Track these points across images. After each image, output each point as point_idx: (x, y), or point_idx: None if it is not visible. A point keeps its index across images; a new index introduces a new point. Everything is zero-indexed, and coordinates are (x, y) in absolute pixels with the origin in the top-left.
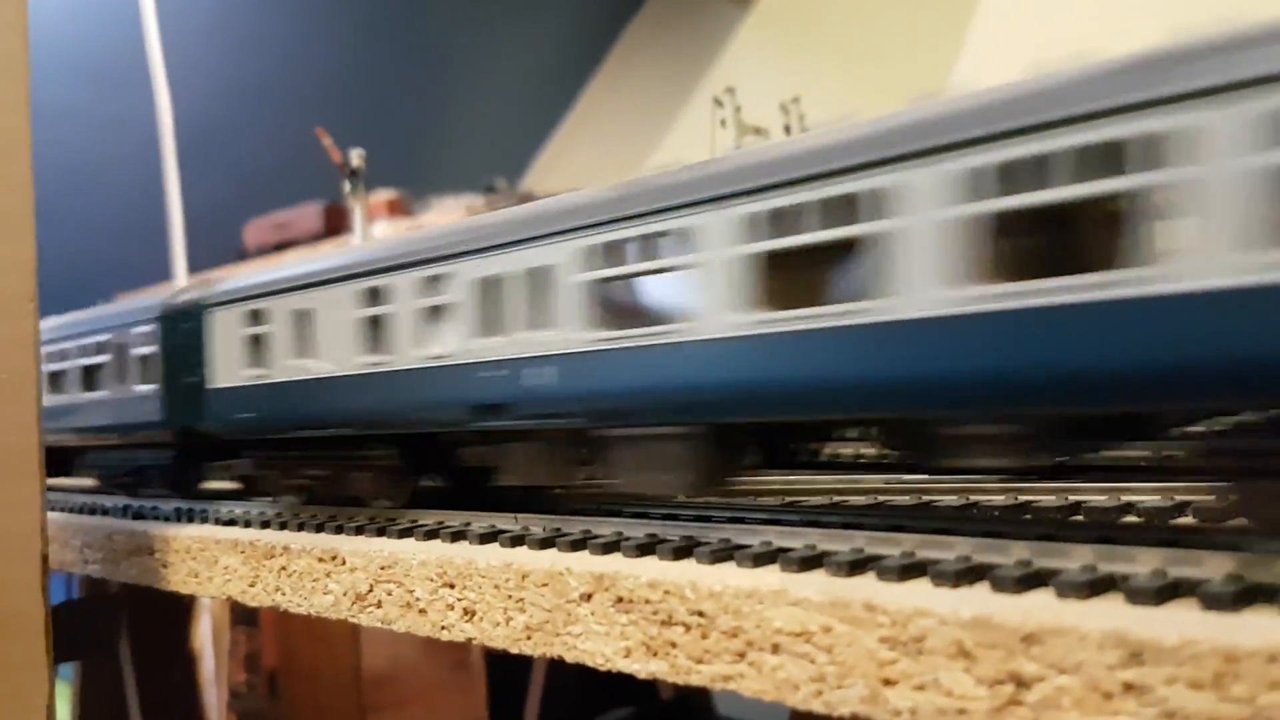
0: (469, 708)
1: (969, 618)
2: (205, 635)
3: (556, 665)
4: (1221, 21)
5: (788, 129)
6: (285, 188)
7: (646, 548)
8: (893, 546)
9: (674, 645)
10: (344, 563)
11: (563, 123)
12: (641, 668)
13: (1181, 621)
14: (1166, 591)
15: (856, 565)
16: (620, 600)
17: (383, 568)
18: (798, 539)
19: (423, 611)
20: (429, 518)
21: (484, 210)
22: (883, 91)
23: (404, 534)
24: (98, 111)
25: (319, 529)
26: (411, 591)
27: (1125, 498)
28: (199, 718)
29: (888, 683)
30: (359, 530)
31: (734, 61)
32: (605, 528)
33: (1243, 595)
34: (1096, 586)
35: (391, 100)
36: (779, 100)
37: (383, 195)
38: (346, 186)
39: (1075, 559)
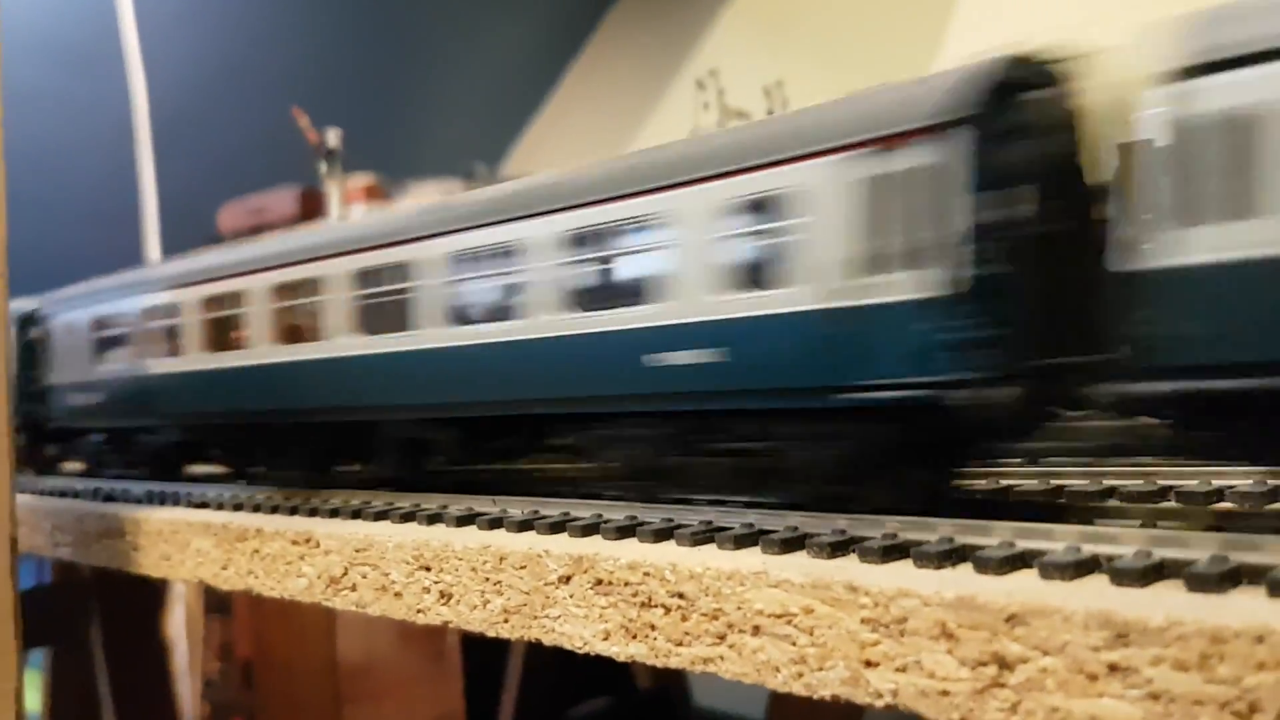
0: (445, 699)
1: (952, 598)
2: (178, 624)
3: (534, 656)
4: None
5: (770, 113)
6: (261, 172)
7: (626, 530)
8: (875, 528)
9: (654, 627)
10: (318, 545)
11: (544, 107)
12: (621, 650)
13: (1167, 602)
14: (1151, 572)
15: (838, 547)
16: (600, 582)
17: (358, 550)
18: (779, 521)
19: (398, 594)
20: (405, 500)
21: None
22: (865, 75)
23: (379, 516)
24: (70, 94)
25: (293, 511)
26: (387, 574)
27: (1107, 481)
28: (171, 707)
29: (869, 664)
30: (333, 513)
31: (717, 45)
32: (585, 510)
33: (1228, 576)
34: (1081, 567)
35: (370, 84)
36: (761, 84)
37: (360, 179)
38: (323, 167)
39: (1059, 540)
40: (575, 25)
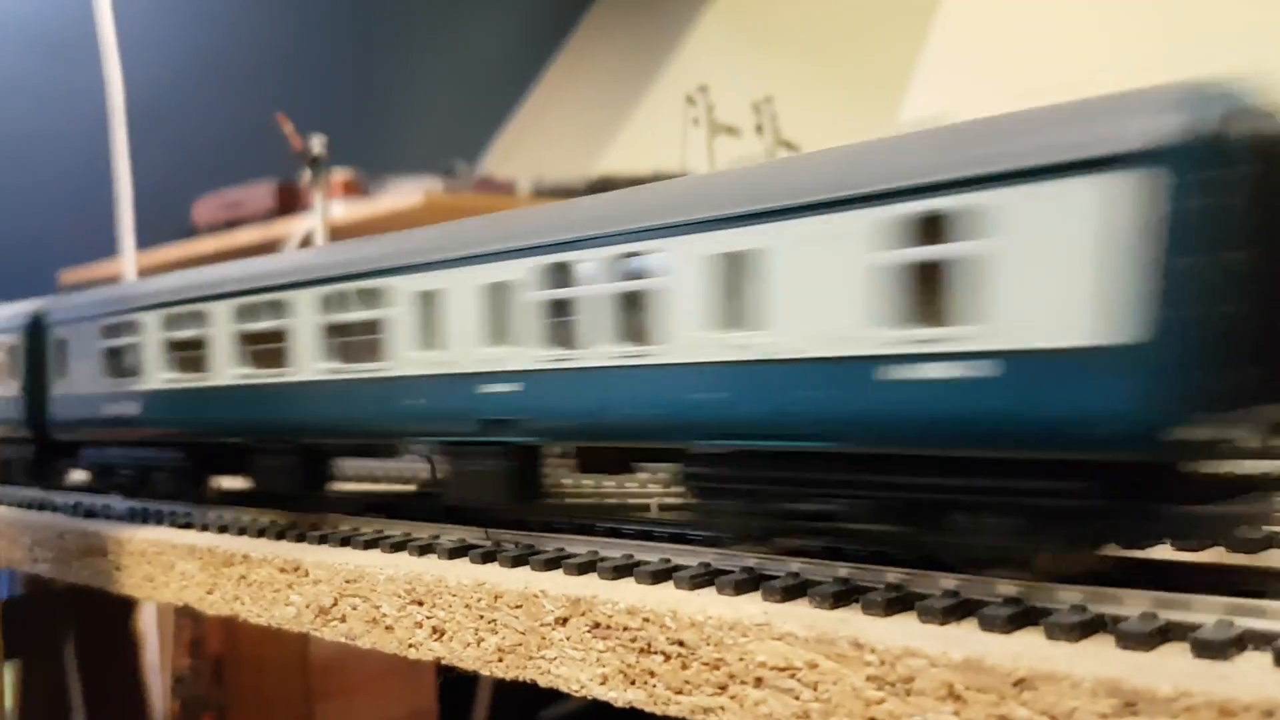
0: (418, 695)
1: (960, 660)
2: (150, 621)
3: None
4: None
5: (759, 129)
6: (236, 165)
7: (623, 569)
8: (877, 577)
9: (653, 674)
10: (306, 574)
11: (522, 105)
12: (619, 696)
13: (1174, 670)
14: (1157, 636)
15: (841, 597)
16: (597, 625)
17: (348, 581)
18: (779, 566)
19: (389, 628)
20: (395, 528)
21: (442, 192)
22: (847, 87)
23: (369, 545)
24: (46, 83)
25: (280, 536)
26: (378, 607)
27: None
28: (143, 706)
29: None
30: (322, 540)
31: (696, 50)
32: (580, 546)
33: (1234, 642)
34: (1087, 628)
35: (348, 78)
36: (748, 97)
37: (338, 175)
38: (307, 173)
39: (1063, 599)
40: (554, 24)
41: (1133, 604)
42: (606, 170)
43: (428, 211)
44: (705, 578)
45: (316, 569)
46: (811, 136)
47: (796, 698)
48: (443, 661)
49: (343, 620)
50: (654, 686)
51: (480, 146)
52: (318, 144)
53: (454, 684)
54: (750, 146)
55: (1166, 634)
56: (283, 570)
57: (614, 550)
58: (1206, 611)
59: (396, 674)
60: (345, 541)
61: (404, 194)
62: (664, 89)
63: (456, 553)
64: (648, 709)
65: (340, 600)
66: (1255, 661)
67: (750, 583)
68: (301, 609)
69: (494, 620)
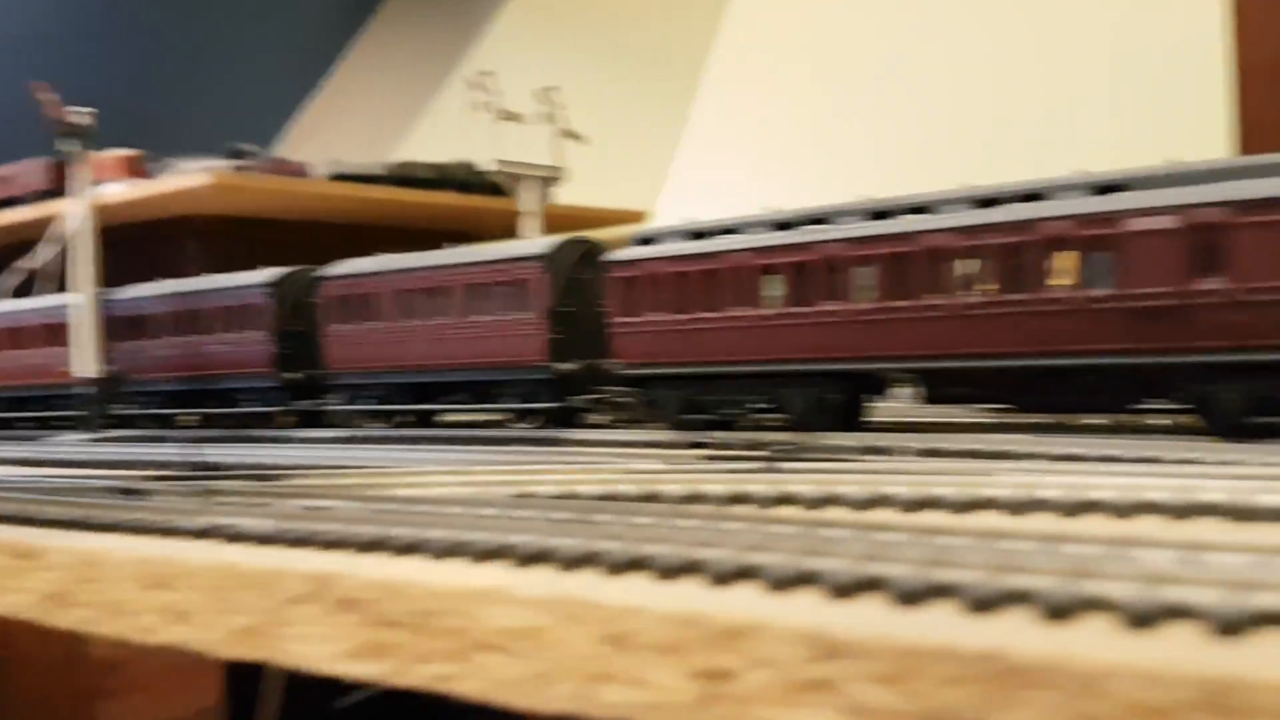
0: (203, 690)
1: (679, 614)
2: None
3: None
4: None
5: (551, 116)
6: (8, 141)
7: (372, 545)
8: (614, 541)
9: (395, 646)
10: (39, 560)
11: (321, 90)
12: (362, 670)
13: (870, 617)
14: (861, 586)
15: (578, 560)
16: (341, 601)
17: (85, 565)
18: (526, 532)
19: (129, 613)
20: (133, 512)
21: (231, 173)
22: (637, 79)
23: (107, 529)
24: None
25: (7, 520)
26: (117, 592)
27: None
28: None
29: (600, 678)
30: (54, 524)
31: (495, 42)
32: (330, 523)
33: (932, 592)
34: (795, 581)
35: (131, 53)
36: (536, 87)
37: (116, 154)
38: (65, 146)
39: (781, 552)
40: (354, 9)
41: (845, 553)
42: (406, 158)
43: (217, 193)
44: (452, 549)
45: (49, 554)
46: (598, 127)
47: (532, 660)
48: (185, 645)
49: (80, 607)
50: (395, 659)
51: (274, 131)
52: (82, 115)
53: (242, 679)
54: (536, 134)
55: (873, 584)
56: (15, 557)
57: (365, 526)
58: (909, 558)
59: (181, 670)
60: (80, 525)
61: (190, 175)
62: (462, 79)
63: (201, 534)
64: (390, 681)
65: (77, 587)
66: (943, 608)
67: (495, 551)
68: (37, 597)
69: (235, 601)
